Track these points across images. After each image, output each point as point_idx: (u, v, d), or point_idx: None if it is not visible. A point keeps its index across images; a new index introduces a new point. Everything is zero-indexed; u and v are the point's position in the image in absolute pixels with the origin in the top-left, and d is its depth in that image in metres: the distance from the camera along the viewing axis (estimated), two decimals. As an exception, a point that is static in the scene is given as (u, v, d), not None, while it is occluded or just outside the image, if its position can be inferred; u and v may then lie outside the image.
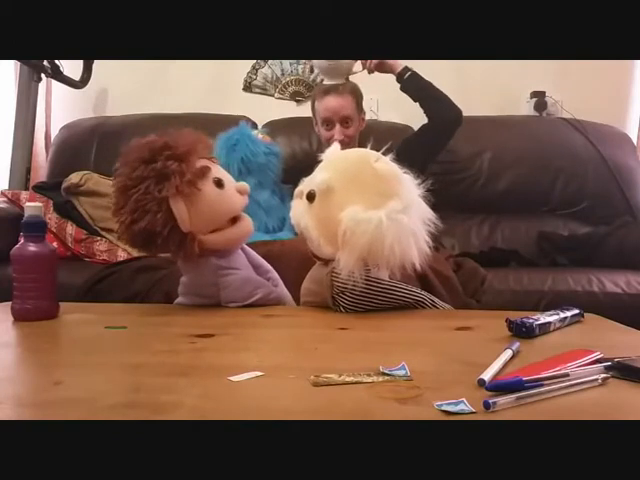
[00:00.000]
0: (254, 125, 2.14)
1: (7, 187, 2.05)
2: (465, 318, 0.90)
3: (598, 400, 0.53)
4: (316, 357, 0.67)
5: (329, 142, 1.80)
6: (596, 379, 0.55)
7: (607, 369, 0.58)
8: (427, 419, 0.47)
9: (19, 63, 2.18)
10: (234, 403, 0.51)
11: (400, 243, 0.85)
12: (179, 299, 1.00)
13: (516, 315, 0.79)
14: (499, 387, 0.51)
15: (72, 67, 2.21)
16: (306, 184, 0.96)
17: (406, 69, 1.78)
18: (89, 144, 2.13)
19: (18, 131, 2.10)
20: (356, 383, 0.55)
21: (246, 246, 1.05)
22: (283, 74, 2.43)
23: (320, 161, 0.99)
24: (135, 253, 1.67)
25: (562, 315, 0.83)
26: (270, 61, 2.42)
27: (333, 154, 0.99)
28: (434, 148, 1.86)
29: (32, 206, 0.87)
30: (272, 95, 2.44)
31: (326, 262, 0.94)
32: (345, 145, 1.77)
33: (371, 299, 0.91)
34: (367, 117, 1.99)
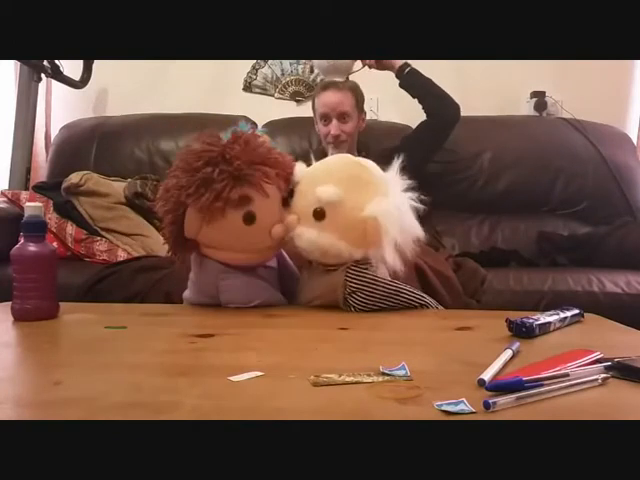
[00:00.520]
0: (254, 125, 2.14)
1: (7, 187, 2.05)
2: (465, 318, 0.90)
3: (598, 400, 0.53)
4: (316, 357, 0.67)
5: (326, 137, 1.81)
6: (596, 379, 0.55)
7: (607, 369, 0.58)
8: (427, 419, 0.47)
9: (19, 63, 2.18)
10: (234, 403, 0.51)
11: (413, 218, 0.90)
12: (186, 292, 1.00)
13: (516, 315, 0.79)
14: (499, 387, 0.51)
15: (72, 67, 2.21)
16: (294, 210, 0.93)
17: (405, 65, 1.79)
18: (89, 144, 2.13)
19: (18, 131, 2.10)
20: (356, 383, 0.55)
21: (284, 253, 1.03)
22: (283, 74, 2.43)
23: (293, 187, 0.96)
24: (135, 253, 1.68)
25: (562, 315, 0.83)
26: (270, 61, 2.42)
27: (304, 172, 0.96)
28: (433, 145, 1.87)
29: (32, 206, 0.87)
30: (272, 95, 2.44)
31: (336, 267, 0.94)
32: (342, 142, 1.79)
33: (382, 300, 0.93)
34: (367, 117, 1.99)
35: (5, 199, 1.85)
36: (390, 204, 0.88)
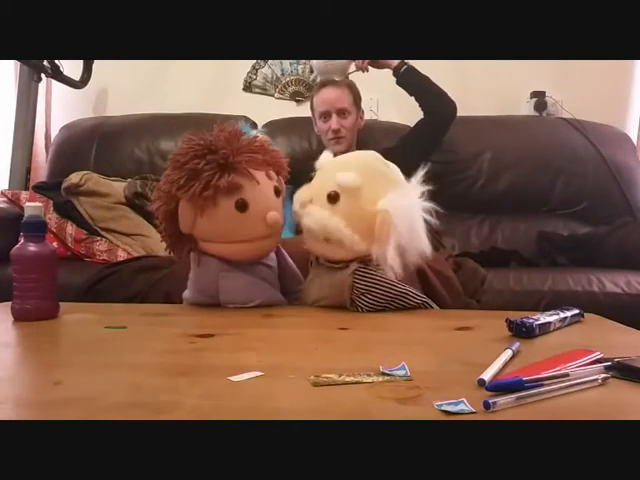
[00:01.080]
0: (254, 125, 2.14)
1: (7, 187, 2.05)
2: (465, 318, 0.90)
3: (598, 400, 0.53)
4: (316, 357, 0.67)
5: (326, 134, 1.82)
6: (596, 379, 0.55)
7: (607, 369, 0.58)
8: (427, 419, 0.47)
9: (19, 63, 2.18)
10: (234, 403, 0.51)
11: (424, 230, 0.90)
12: (185, 292, 1.01)
13: (516, 315, 0.79)
14: (499, 387, 0.51)
15: (72, 67, 2.21)
16: (309, 191, 0.95)
17: (402, 63, 1.80)
18: (89, 144, 2.13)
19: (18, 131, 2.10)
20: (356, 383, 0.55)
21: (285, 252, 1.03)
22: (283, 74, 2.43)
23: (314, 170, 0.98)
24: (135, 253, 1.68)
25: (562, 315, 0.83)
26: (270, 61, 2.42)
27: (329, 160, 0.99)
28: (431, 143, 1.88)
29: (32, 206, 0.87)
30: (272, 95, 2.44)
31: (343, 265, 0.94)
32: (342, 138, 1.80)
33: (389, 302, 0.93)
34: (367, 117, 2.00)
35: (5, 199, 1.85)
36: (405, 203, 0.89)
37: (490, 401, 0.48)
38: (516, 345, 0.66)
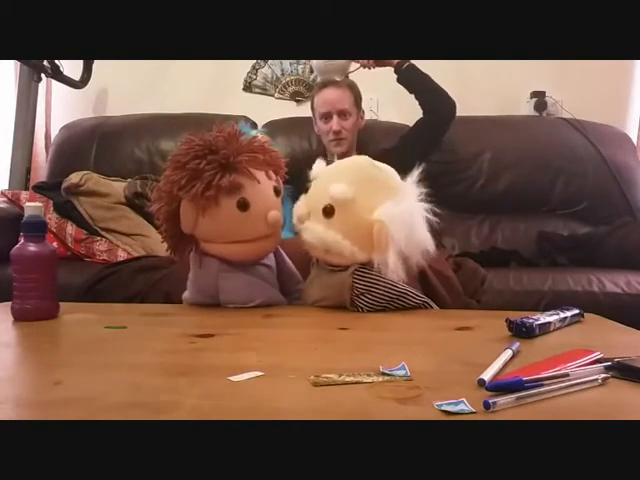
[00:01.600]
0: (254, 125, 2.14)
1: (7, 187, 2.05)
2: (465, 318, 0.90)
3: (598, 400, 0.53)
4: (316, 357, 0.67)
5: (327, 135, 1.82)
6: (596, 379, 0.55)
7: (607, 369, 0.58)
8: (427, 419, 0.47)
9: (19, 63, 2.18)
10: (234, 403, 0.51)
11: (425, 229, 0.90)
12: (185, 293, 1.01)
13: (516, 315, 0.79)
14: (499, 387, 0.51)
15: (72, 67, 2.21)
16: (306, 204, 0.95)
17: (404, 60, 1.80)
18: (89, 144, 2.13)
19: (18, 131, 2.10)
20: (356, 383, 0.55)
21: (283, 252, 1.03)
22: (283, 74, 2.43)
23: (310, 181, 0.98)
24: (135, 253, 1.68)
25: (562, 315, 0.83)
26: (270, 61, 2.42)
27: (322, 170, 0.98)
28: (430, 143, 1.88)
29: (32, 206, 0.87)
30: (272, 95, 2.44)
31: (343, 268, 0.94)
32: (343, 139, 1.80)
33: (388, 302, 0.93)
34: (367, 117, 2.00)
35: (5, 199, 1.85)
36: (401, 210, 0.88)
37: (490, 401, 0.48)
38: (516, 345, 0.66)
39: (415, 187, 0.92)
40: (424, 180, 0.93)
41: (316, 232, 0.92)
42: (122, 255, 1.70)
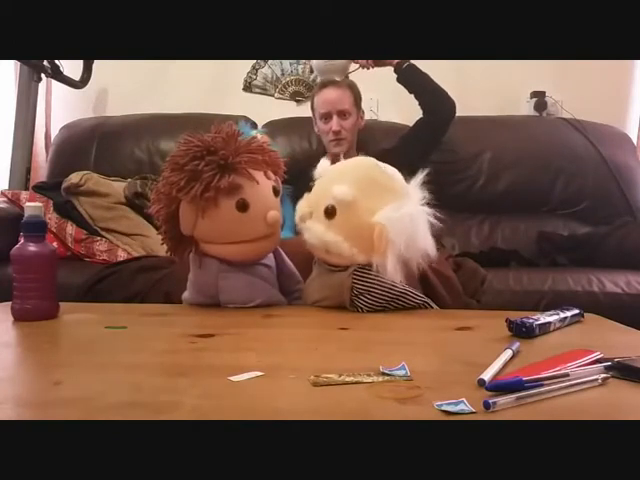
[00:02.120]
0: (254, 125, 2.14)
1: (7, 187, 2.05)
2: (465, 318, 0.90)
3: (598, 400, 0.53)
4: (316, 357, 0.67)
5: (327, 135, 1.82)
6: (596, 379, 0.55)
7: (607, 369, 0.58)
8: (427, 419, 0.47)
9: (19, 63, 2.18)
10: (234, 403, 0.51)
11: (427, 233, 0.89)
12: (185, 294, 1.01)
13: (516, 315, 0.79)
14: (499, 387, 0.51)
15: (72, 67, 2.21)
16: (308, 204, 0.95)
17: (404, 60, 1.80)
18: (89, 144, 2.13)
19: (18, 131, 2.10)
20: (356, 383, 0.55)
21: (282, 252, 1.03)
22: (283, 74, 2.43)
23: (313, 180, 0.98)
24: (135, 253, 1.68)
25: (562, 315, 0.83)
26: (270, 61, 2.42)
27: (326, 169, 0.98)
28: (430, 143, 1.88)
29: (32, 206, 0.87)
30: (272, 95, 2.44)
31: (343, 268, 0.94)
32: (343, 139, 1.80)
33: (388, 302, 0.93)
34: (367, 117, 2.00)
35: (5, 199, 1.85)
36: (402, 214, 0.88)
37: (490, 401, 0.48)
38: (516, 345, 0.66)
39: (419, 191, 0.92)
40: (427, 183, 0.92)
41: (317, 232, 0.92)
42: (122, 255, 1.70)
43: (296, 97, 2.43)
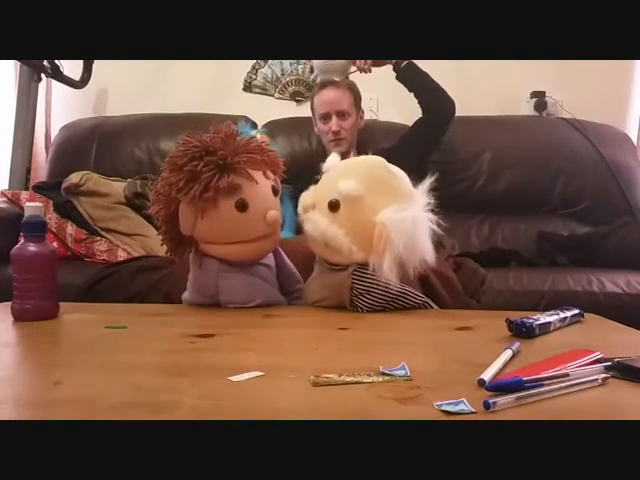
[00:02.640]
0: (254, 125, 2.14)
1: (7, 187, 2.05)
2: (465, 318, 0.90)
3: (598, 400, 0.53)
4: (316, 357, 0.67)
5: (326, 136, 1.82)
6: (596, 379, 0.55)
7: (607, 369, 0.58)
8: (427, 419, 0.47)
9: (19, 63, 2.18)
10: (234, 403, 0.51)
11: (427, 239, 0.89)
12: (185, 294, 1.00)
13: (516, 315, 0.79)
14: (499, 387, 0.51)
15: (72, 67, 2.21)
16: (313, 196, 0.95)
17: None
18: (89, 144, 2.13)
19: (18, 131, 2.10)
20: (356, 383, 0.55)
21: (282, 252, 1.03)
22: (283, 74, 2.43)
23: (321, 173, 0.98)
24: (135, 253, 1.68)
25: (562, 315, 0.83)
26: (270, 61, 2.42)
27: (335, 164, 0.99)
28: (430, 142, 1.88)
29: (32, 206, 0.87)
30: (272, 95, 2.44)
31: (343, 267, 0.94)
32: (342, 139, 1.80)
33: (388, 302, 0.93)
34: (367, 117, 2.00)
35: (5, 199, 1.85)
36: (404, 216, 0.88)
37: (490, 401, 0.48)
38: (516, 345, 0.66)
39: (424, 196, 0.92)
40: (433, 189, 0.92)
41: (318, 223, 0.92)
42: (122, 255, 1.70)
43: (296, 97, 2.43)
